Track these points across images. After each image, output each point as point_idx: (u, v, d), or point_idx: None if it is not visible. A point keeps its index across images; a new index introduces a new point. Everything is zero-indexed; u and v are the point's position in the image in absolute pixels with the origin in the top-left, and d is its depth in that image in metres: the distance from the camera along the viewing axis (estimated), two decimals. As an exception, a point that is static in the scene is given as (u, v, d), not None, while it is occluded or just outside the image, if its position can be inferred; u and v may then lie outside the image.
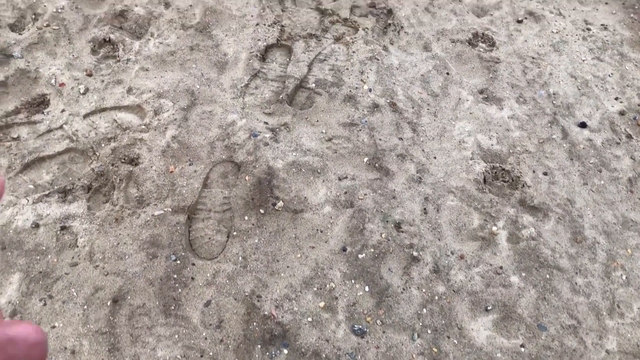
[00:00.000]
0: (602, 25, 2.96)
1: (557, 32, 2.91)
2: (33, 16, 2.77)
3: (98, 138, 2.35)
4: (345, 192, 2.24)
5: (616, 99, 2.63)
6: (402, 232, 2.14)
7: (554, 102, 2.60)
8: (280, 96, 2.55)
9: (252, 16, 2.88)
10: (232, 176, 2.29)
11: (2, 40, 2.60)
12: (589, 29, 2.94)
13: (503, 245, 2.13)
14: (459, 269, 2.05)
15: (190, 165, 2.29)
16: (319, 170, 2.31)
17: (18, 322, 0.47)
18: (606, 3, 3.09)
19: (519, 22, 2.95)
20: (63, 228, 2.10)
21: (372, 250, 2.07)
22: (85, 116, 2.43)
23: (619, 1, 3.08)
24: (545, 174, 2.35)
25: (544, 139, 2.47)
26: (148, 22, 2.83)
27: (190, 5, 2.91)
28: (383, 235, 2.11)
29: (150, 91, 2.53)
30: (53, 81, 2.52)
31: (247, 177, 2.26)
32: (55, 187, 2.22)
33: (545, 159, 2.40)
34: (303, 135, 2.42)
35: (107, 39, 2.73)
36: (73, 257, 2.03)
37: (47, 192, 2.18)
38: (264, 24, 2.83)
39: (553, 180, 2.33)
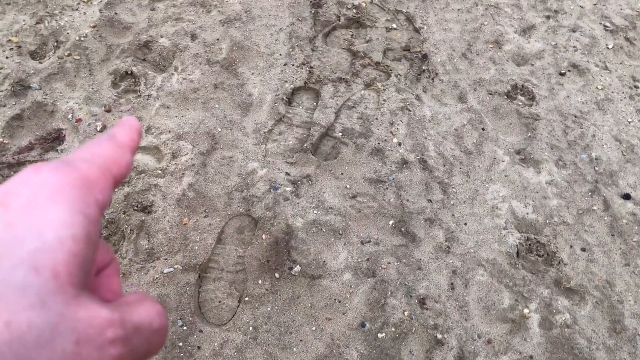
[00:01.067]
0: (651, 83, 2.78)
1: (602, 89, 2.73)
2: (55, 44, 2.68)
3: (111, 181, 2.24)
4: (368, 259, 2.10)
5: (664, 168, 2.45)
6: (427, 309, 1.99)
7: (596, 168, 2.43)
8: (305, 145, 2.42)
9: (280, 54, 2.75)
10: (248, 232, 2.16)
11: (22, 70, 2.52)
12: (636, 87, 2.76)
13: (534, 331, 1.96)
14: (486, 356, 1.90)
15: (205, 217, 2.17)
16: (340, 232, 2.17)
17: (141, 301, 0.40)
18: (656, 58, 2.90)
19: (562, 74, 2.78)
20: (67, 281, 1.99)
21: (393, 329, 1.93)
22: (100, 156, 2.32)
23: (670, 57, 2.90)
24: (583, 249, 2.19)
25: (584, 210, 2.30)
26: (173, 54, 2.73)
27: (217, 39, 2.79)
28: (406, 313, 1.96)
29: (169, 132, 2.42)
30: (70, 116, 2.43)
31: (264, 236, 2.13)
32: (63, 233, 2.11)
33: (584, 232, 2.23)
34: (326, 190, 2.28)
35: (129, 72, 2.62)
36: (76, 314, 1.92)
37: (54, 239, 2.08)
38: (293, 64, 2.71)
39: (592, 258, 2.16)
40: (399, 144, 2.44)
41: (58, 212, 0.32)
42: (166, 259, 2.06)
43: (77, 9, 2.82)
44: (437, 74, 2.74)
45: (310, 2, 3.00)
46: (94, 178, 0.36)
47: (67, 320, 0.31)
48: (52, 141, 2.37)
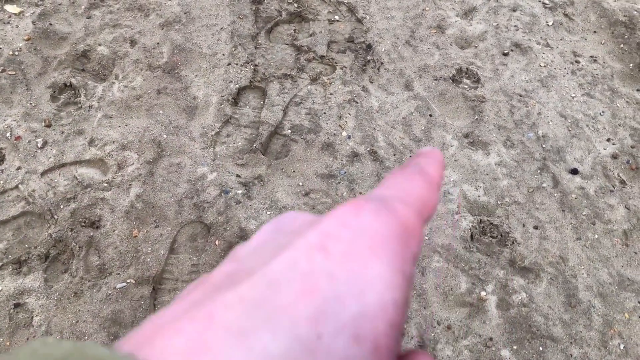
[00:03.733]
0: (591, 57, 2.83)
1: (544, 66, 2.77)
2: (-13, 60, 2.58)
3: (57, 199, 2.18)
4: (323, 256, 2.09)
5: (608, 140, 2.50)
6: (385, 300, 1.99)
7: (544, 145, 2.47)
8: (254, 145, 2.39)
9: (223, 54, 2.71)
10: (202, 239, 2.13)
11: (-47, 90, 2.42)
12: (577, 62, 2.80)
13: (493, 313, 1.99)
14: (446, 343, 1.91)
15: (155, 227, 2.13)
16: (295, 230, 2.15)
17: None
18: (595, 32, 2.95)
19: (505, 54, 2.81)
20: (17, 305, 1.93)
21: (353, 324, 1.92)
22: (43, 173, 2.25)
23: (608, 30, 2.94)
24: (535, 227, 2.22)
25: (534, 188, 2.33)
26: (112, 62, 2.66)
27: (158, 43, 2.73)
28: (364, 307, 1.96)
29: (113, 142, 2.36)
30: (9, 134, 2.34)
31: (217, 242, 2.10)
32: (10, 256, 2.04)
33: (535, 210, 2.27)
34: (278, 190, 2.26)
35: (68, 84, 2.55)
36: (28, 338, 1.87)
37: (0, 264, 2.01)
38: (236, 64, 2.67)
39: (544, 235, 2.20)
40: (349, 137, 2.43)
41: (380, 270, 0.27)
42: (118, 274, 2.01)
43: (8, 22, 2.72)
44: (382, 63, 2.74)
45: (250, -1, 2.96)
46: (412, 227, 0.31)
47: None
48: (-9, 162, 2.29)
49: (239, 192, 2.24)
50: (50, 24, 2.76)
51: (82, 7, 2.86)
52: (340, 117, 2.50)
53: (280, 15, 2.89)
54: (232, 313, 0.25)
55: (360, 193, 2.26)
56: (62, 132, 2.38)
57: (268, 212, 2.19)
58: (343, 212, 0.29)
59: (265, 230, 0.34)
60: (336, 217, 0.29)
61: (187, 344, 0.23)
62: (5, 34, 2.68)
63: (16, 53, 2.61)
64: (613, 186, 2.35)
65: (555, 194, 2.32)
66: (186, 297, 0.28)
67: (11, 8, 2.76)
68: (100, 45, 2.70)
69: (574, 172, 2.38)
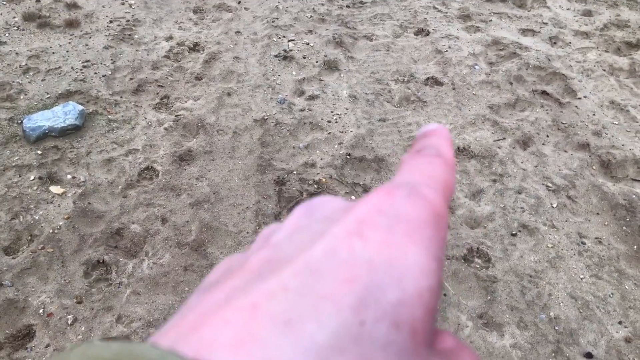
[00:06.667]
0: (596, 238, 2.98)
1: (552, 247, 2.91)
2: (29, 237, 2.78)
3: (81, 378, 2.23)
4: None
5: (620, 323, 2.55)
6: None
7: (556, 327, 2.52)
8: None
9: (247, 232, 2.90)
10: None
11: (-5, 267, 2.59)
12: (583, 243, 2.95)
13: None
14: None
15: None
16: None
17: (461, 351, 0.32)
18: (597, 214, 3.13)
19: (513, 235, 2.96)
20: None
21: None
22: (70, 351, 2.33)
23: (610, 212, 3.12)
24: (554, 415, 2.21)
25: (550, 373, 2.35)
26: (144, 240, 2.84)
27: (187, 222, 2.94)
28: None
29: (140, 319, 2.47)
30: (41, 311, 2.47)
31: None
32: None
33: (553, 397, 2.27)
34: None
35: (101, 260, 2.71)
36: None
37: None
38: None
39: None
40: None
41: (417, 257, 0.27)
42: None
43: (51, 202, 2.97)
44: (397, 242, 2.89)
45: (275, 180, 3.22)
46: (442, 212, 0.30)
47: None
48: (22, 338, 2.38)
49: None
50: (89, 203, 3.00)
51: (120, 187, 3.13)
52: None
53: (302, 196, 3.13)
54: (276, 302, 0.25)
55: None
56: (92, 309, 2.50)
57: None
58: (376, 198, 0.30)
59: (296, 215, 0.34)
60: (370, 203, 0.29)
61: (234, 335, 0.23)
62: (48, 213, 2.91)
63: (56, 231, 2.82)
64: (629, 372, 2.37)
65: (572, 380, 2.34)
66: (223, 283, 0.28)
67: (55, 189, 3.03)
68: (133, 223, 2.91)
69: (589, 356, 2.41)
